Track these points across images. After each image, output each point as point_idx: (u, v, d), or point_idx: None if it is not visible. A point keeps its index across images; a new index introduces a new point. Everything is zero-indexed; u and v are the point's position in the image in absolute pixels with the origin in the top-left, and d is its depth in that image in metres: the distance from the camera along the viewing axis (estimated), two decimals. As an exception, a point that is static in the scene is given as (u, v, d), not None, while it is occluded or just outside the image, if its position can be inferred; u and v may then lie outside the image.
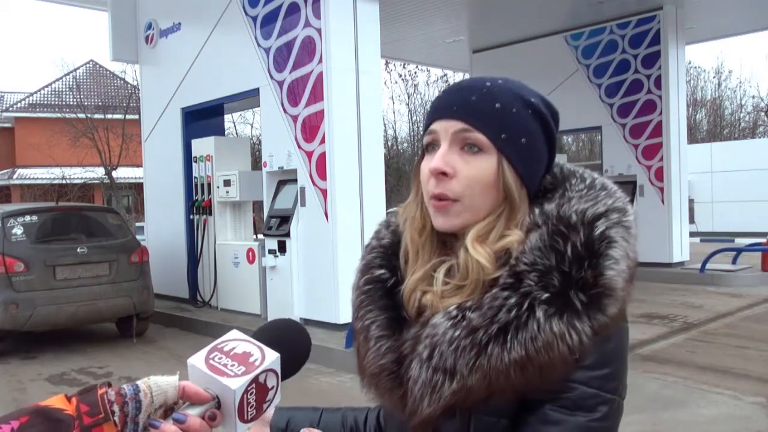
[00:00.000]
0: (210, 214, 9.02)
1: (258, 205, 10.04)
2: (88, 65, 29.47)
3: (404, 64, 28.52)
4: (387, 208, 7.63)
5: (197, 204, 9.15)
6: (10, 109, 28.53)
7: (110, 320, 7.84)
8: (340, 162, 6.97)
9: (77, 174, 25.05)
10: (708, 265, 10.52)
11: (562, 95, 11.51)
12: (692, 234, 12.56)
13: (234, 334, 0.81)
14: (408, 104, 31.68)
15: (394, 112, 39.98)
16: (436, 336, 0.87)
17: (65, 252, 7.21)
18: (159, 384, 0.73)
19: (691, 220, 13.25)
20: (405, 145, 31.78)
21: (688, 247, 11.45)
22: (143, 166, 10.77)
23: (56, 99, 27.53)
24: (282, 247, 7.60)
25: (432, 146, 0.96)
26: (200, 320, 8.26)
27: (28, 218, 7.32)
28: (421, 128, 26.54)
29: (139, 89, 12.68)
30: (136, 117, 17.92)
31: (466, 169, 0.92)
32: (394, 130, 31.97)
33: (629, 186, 11.04)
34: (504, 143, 0.91)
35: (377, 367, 0.95)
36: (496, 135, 0.91)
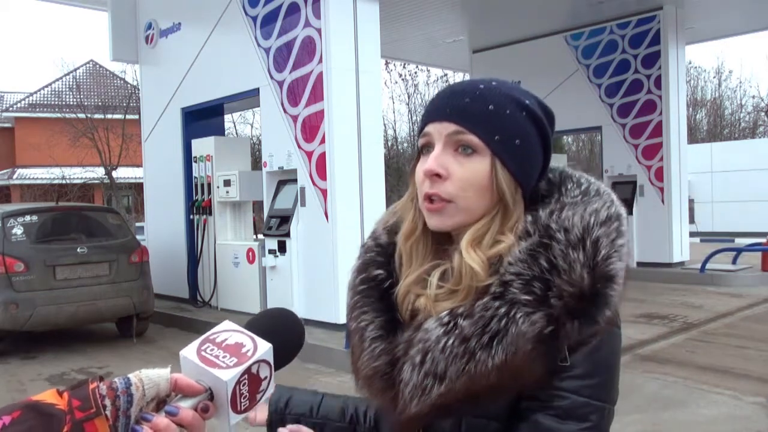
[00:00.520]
0: (210, 214, 9.02)
1: (258, 205, 10.03)
2: (88, 65, 29.48)
3: (404, 64, 28.50)
4: (387, 208, 7.61)
5: (197, 204, 9.15)
6: (10, 109, 28.55)
7: (110, 320, 7.84)
8: (340, 162, 6.96)
9: (77, 174, 25.06)
10: (708, 265, 10.51)
11: (562, 95, 11.53)
12: (692, 234, 12.55)
13: (226, 324, 0.80)
14: (408, 104, 31.67)
15: (394, 112, 40.10)
16: (429, 341, 0.89)
17: (65, 252, 7.20)
18: (151, 377, 0.73)
19: (691, 220, 13.24)
20: (405, 145, 31.74)
21: (688, 247, 11.44)
22: (143, 166, 10.77)
23: (56, 99, 27.53)
24: (282, 247, 7.60)
25: (426, 149, 0.96)
26: (200, 320, 8.25)
27: (28, 218, 7.32)
28: (421, 128, 26.48)
29: (139, 89, 12.67)
30: (136, 117, 17.90)
31: (460, 170, 0.92)
32: (394, 130, 31.99)
33: (629, 186, 11.01)
34: (497, 145, 0.92)
35: (371, 369, 0.96)
36: (489, 136, 0.92)
